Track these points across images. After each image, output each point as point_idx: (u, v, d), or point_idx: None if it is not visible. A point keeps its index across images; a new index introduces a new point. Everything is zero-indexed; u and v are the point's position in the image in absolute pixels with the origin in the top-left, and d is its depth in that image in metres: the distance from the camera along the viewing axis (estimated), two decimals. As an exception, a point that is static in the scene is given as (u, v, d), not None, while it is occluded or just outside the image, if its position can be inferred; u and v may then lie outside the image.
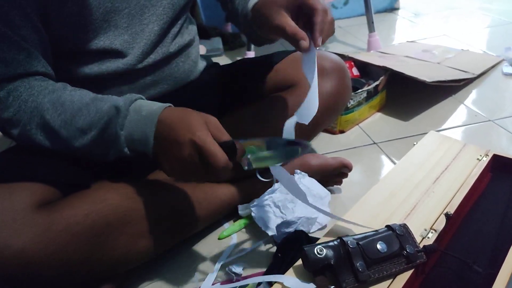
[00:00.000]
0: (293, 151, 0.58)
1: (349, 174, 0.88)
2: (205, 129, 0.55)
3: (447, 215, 0.61)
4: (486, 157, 0.76)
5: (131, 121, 0.59)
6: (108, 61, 0.69)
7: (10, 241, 0.53)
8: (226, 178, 0.54)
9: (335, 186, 0.89)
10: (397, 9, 2.19)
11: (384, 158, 1.00)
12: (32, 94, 0.61)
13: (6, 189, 0.58)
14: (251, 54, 1.60)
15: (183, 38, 0.79)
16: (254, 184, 0.81)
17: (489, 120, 1.11)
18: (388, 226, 0.57)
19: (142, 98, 0.62)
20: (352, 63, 1.27)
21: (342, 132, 1.12)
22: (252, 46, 1.57)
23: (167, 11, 0.73)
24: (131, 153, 0.60)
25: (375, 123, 1.16)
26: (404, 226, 0.58)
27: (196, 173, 0.56)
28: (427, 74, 1.16)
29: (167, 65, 0.77)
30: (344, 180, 0.88)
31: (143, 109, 0.59)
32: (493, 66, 1.39)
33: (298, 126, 0.68)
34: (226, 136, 0.56)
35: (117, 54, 0.69)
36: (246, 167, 0.56)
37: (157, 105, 0.59)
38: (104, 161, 0.63)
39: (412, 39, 1.71)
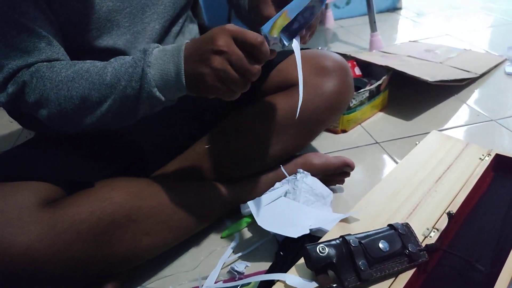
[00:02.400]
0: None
1: (352, 173, 0.88)
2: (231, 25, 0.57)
3: (449, 214, 0.61)
4: (488, 156, 0.76)
5: (157, 58, 0.58)
6: None
7: (16, 238, 0.54)
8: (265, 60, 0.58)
9: (337, 185, 0.89)
10: (400, 8, 2.19)
11: (386, 157, 1.00)
12: (54, 71, 0.61)
13: (11, 187, 0.59)
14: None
15: (184, 37, 0.80)
16: (256, 183, 0.81)
17: (492, 120, 1.11)
18: (390, 225, 0.57)
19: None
20: (354, 63, 1.27)
21: (344, 131, 1.12)
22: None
23: (168, 10, 0.74)
24: (164, 99, 0.59)
25: (377, 122, 1.16)
26: (406, 225, 0.58)
27: (239, 65, 0.55)
28: (429, 73, 1.16)
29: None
30: (346, 179, 0.89)
31: (167, 48, 0.59)
32: (495, 66, 1.39)
33: (300, 127, 0.70)
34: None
35: (120, 53, 0.70)
36: (281, 45, 0.60)
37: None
38: (135, 125, 0.64)
39: (415, 38, 1.70)
